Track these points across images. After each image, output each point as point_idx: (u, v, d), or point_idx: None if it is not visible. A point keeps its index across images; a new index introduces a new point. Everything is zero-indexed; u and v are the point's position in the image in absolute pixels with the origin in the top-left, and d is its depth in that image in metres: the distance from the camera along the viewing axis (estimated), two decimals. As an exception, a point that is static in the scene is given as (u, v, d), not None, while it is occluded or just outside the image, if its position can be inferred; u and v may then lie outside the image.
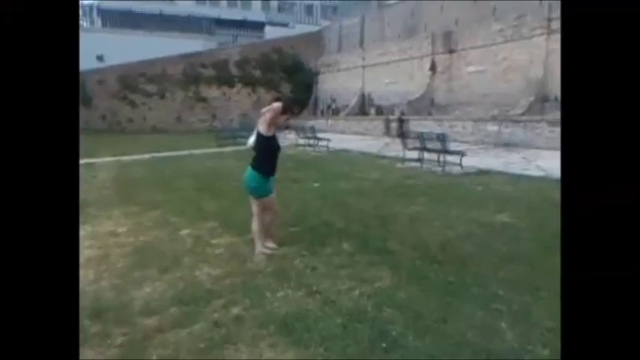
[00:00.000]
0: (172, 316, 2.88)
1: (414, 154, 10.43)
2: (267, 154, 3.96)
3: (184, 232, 4.81)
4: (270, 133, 3.94)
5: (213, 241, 4.44)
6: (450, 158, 9.40)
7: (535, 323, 2.73)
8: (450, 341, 2.54)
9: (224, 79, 29.15)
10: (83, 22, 35.86)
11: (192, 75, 28.48)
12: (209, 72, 28.87)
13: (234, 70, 29.45)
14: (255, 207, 4.05)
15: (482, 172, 9.01)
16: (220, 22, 37.41)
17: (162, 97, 27.88)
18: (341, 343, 2.52)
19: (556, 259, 3.77)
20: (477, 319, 2.78)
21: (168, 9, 37.33)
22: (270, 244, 4.14)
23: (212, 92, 28.93)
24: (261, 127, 3.89)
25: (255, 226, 4.07)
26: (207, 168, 10.33)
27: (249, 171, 3.98)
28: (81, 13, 35.82)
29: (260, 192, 3.99)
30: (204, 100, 28.79)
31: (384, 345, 2.51)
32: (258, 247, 4.04)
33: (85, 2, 36.49)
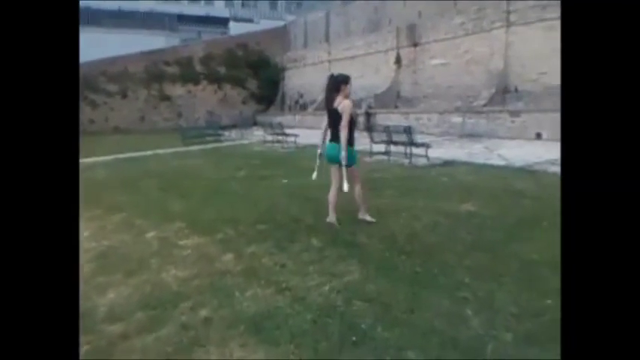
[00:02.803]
0: (138, 321, 2.81)
1: (382, 148, 10.54)
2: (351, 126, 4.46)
3: (150, 234, 4.70)
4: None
5: (180, 243, 4.36)
6: (416, 150, 9.56)
7: (499, 309, 2.81)
8: (418, 331, 2.58)
9: (188, 77, 28.58)
10: (37, 20, 34.35)
11: (155, 73, 27.78)
12: (173, 69, 28.25)
13: (198, 67, 28.91)
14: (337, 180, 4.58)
15: (447, 163, 9.20)
16: (183, 19, 36.64)
17: (125, 96, 27.08)
18: (311, 339, 2.53)
19: (518, 246, 3.92)
20: (443, 308, 2.84)
21: (128, 5, 36.24)
22: (368, 217, 4.71)
23: (176, 90, 28.32)
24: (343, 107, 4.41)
25: (331, 196, 4.65)
26: (172, 168, 10.14)
27: (336, 146, 4.42)
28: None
29: (352, 159, 4.48)
30: (168, 98, 28.15)
31: (354, 339, 2.52)
32: (331, 217, 4.63)
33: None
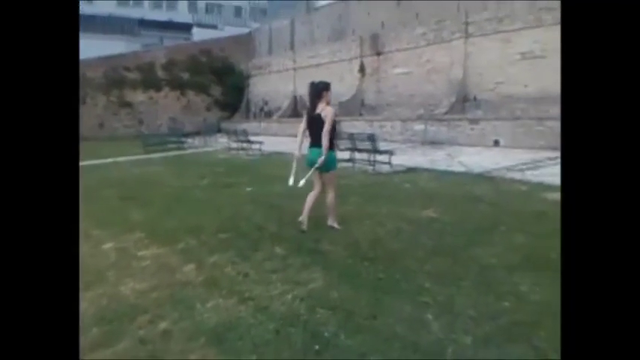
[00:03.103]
0: (94, 336, 2.70)
1: (347, 155, 10.63)
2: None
3: (107, 245, 4.54)
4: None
5: (140, 253, 4.23)
6: (380, 157, 9.70)
7: (458, 313, 2.87)
8: (381, 337, 2.60)
9: (150, 83, 27.93)
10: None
11: (115, 78, 26.99)
12: (133, 75, 27.53)
13: (160, 73, 28.30)
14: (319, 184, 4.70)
15: (410, 170, 9.38)
16: (144, 23, 35.88)
17: (83, 102, 26.12)
18: (274, 349, 2.50)
19: (476, 250, 4.03)
20: (405, 313, 2.88)
21: (86, 9, 35.12)
22: (336, 225, 4.75)
23: (137, 96, 27.60)
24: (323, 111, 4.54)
25: (310, 198, 4.72)
26: (133, 176, 9.85)
27: (317, 150, 4.48)
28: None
29: (332, 164, 4.59)
30: (129, 104, 27.40)
31: (316, 347, 2.51)
32: (304, 217, 4.69)
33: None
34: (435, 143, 14.40)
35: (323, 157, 4.40)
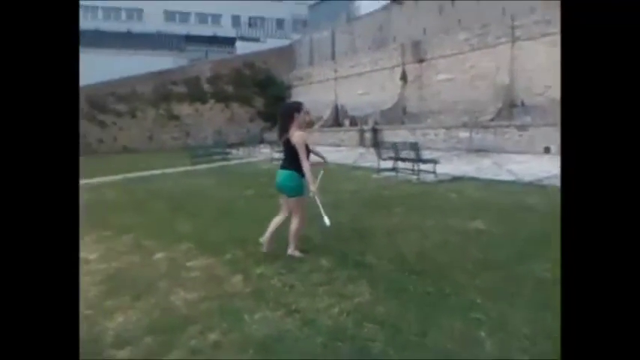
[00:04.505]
0: (147, 346, 2.79)
1: (389, 164, 10.53)
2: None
3: (158, 255, 4.70)
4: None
5: (189, 264, 4.34)
6: (423, 166, 9.53)
7: (513, 331, 2.75)
8: (431, 354, 2.53)
9: (196, 96, 28.91)
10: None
11: (163, 92, 28.14)
12: (180, 89, 28.59)
13: (206, 87, 29.25)
14: (287, 209, 4.41)
15: (455, 179, 9.15)
16: (190, 39, 37.19)
17: (133, 116, 27.42)
18: (322, 364, 2.48)
19: (530, 265, 3.85)
20: (456, 330, 2.79)
21: (136, 27, 36.97)
22: (297, 254, 4.37)
23: (184, 109, 28.63)
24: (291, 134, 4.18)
25: (274, 223, 4.46)
26: (181, 187, 10.17)
27: (284, 173, 4.24)
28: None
29: (299, 190, 4.24)
30: (176, 117, 28.45)
31: (365, 363, 2.48)
32: (265, 237, 4.47)
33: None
34: (480, 151, 14.01)
35: (311, 187, 4.09)
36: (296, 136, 4.13)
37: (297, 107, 4.33)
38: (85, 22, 35.15)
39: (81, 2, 35.92)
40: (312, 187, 4.11)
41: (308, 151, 4.20)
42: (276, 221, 4.45)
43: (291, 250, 4.38)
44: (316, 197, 4.13)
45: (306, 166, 4.12)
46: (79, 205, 1.93)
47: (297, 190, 4.23)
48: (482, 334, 2.73)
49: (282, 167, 4.34)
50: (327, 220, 4.05)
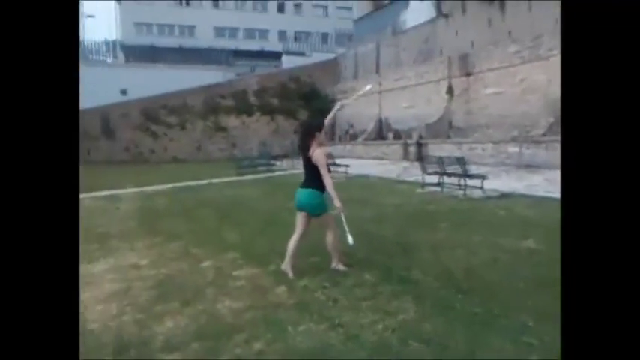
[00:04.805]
0: (194, 352, 2.86)
1: (434, 179, 10.33)
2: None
3: (206, 263, 4.82)
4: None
5: (235, 273, 4.43)
6: (470, 182, 9.28)
7: (569, 357, 2.60)
8: (480, 377, 2.44)
9: (243, 109, 29.75)
10: (107, 58, 37.35)
11: (212, 105, 29.19)
12: (228, 102, 29.54)
13: (252, 100, 30.06)
14: (301, 226, 4.37)
15: (504, 196, 8.85)
16: (238, 54, 38.47)
17: (183, 127, 28.56)
18: (366, 380, 2.45)
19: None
20: (506, 353, 2.68)
21: (188, 42, 38.61)
22: (341, 267, 4.33)
23: (231, 122, 29.52)
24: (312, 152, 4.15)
25: (292, 242, 4.35)
26: (226, 197, 10.43)
27: (305, 192, 4.21)
28: (104, 49, 37.38)
29: (323, 207, 4.22)
30: (223, 129, 29.36)
31: (410, 381, 2.42)
32: (286, 264, 4.30)
33: (109, 39, 38.08)
34: (531, 167, 13.50)
35: (337, 204, 4.04)
36: (317, 153, 4.11)
37: (319, 126, 4.30)
38: (141, 38, 37.15)
39: (135, 20, 38.04)
40: (337, 202, 4.05)
41: (327, 166, 4.16)
42: (293, 241, 4.32)
43: (335, 264, 4.36)
44: (342, 214, 4.11)
45: (328, 182, 4.08)
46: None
47: (321, 207, 4.22)
48: (535, 358, 2.60)
49: (303, 186, 4.28)
50: (350, 239, 4.06)
